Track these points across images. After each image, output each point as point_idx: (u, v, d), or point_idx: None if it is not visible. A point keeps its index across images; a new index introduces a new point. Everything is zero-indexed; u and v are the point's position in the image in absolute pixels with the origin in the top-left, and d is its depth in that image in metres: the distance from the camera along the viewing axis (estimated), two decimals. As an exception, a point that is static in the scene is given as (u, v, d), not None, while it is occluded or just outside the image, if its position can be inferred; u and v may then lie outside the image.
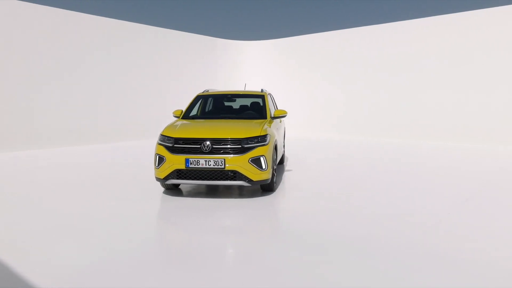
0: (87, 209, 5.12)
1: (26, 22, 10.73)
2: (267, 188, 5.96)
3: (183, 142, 5.51)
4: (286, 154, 10.00)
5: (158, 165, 5.60)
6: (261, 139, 5.63)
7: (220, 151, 5.41)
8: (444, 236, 4.14)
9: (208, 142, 5.42)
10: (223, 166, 5.34)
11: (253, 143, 5.52)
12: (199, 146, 5.43)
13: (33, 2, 10.95)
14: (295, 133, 15.75)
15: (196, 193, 6.04)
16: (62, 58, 11.58)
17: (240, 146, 5.44)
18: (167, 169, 5.48)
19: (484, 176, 7.47)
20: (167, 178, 5.52)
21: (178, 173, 5.46)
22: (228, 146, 5.43)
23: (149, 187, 6.27)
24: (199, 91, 10.21)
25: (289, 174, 7.58)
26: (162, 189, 6.16)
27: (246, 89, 7.87)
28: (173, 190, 6.14)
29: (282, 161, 8.51)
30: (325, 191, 6.37)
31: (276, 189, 6.22)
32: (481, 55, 11.97)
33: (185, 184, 5.92)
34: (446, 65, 12.62)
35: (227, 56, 17.15)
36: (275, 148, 6.23)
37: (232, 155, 5.37)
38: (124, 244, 3.86)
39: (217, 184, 5.66)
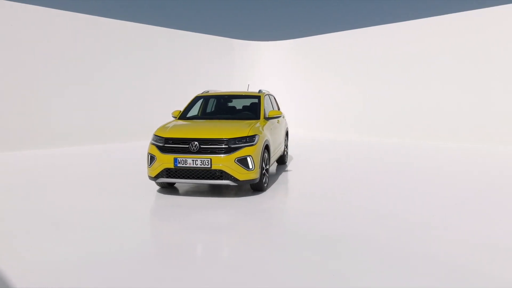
0: (77, 204, 5.41)
1: (25, 24, 11.03)
2: (256, 187, 6.06)
3: (172, 142, 5.71)
4: (291, 154, 10.04)
5: (150, 164, 5.82)
6: (249, 140, 5.74)
7: (207, 151, 5.57)
8: (444, 237, 4.11)
9: (196, 142, 5.59)
10: (209, 166, 5.49)
11: (241, 143, 5.64)
12: (187, 146, 5.61)
13: (27, 3, 11.50)
14: (309, 133, 15.72)
15: (193, 192, 6.22)
16: (88, 62, 12.09)
17: (227, 146, 5.57)
18: (157, 168, 5.70)
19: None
20: (157, 176, 5.74)
21: (168, 172, 5.66)
22: (215, 146, 5.58)
23: (147, 185, 6.50)
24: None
25: (287, 174, 7.64)
26: (157, 187, 6.38)
27: (249, 90, 7.96)
28: (168, 188, 6.34)
29: (284, 161, 8.57)
30: (318, 192, 6.39)
31: (267, 189, 6.30)
32: (508, 53, 11.55)
33: (174, 182, 6.04)
34: (466, 64, 12.23)
35: (244, 56, 17.30)
36: (267, 148, 6.32)
37: (218, 155, 5.52)
38: (108, 240, 4.08)
39: (205, 183, 5.80)
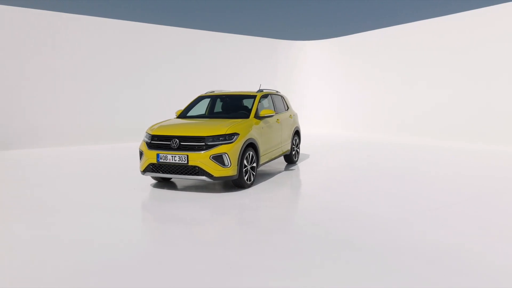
0: (71, 196, 6.07)
1: (27, 26, 11.88)
2: (237, 184, 6.24)
3: (157, 139, 6.14)
4: (309, 153, 9.97)
5: (140, 159, 6.31)
6: (228, 138, 5.94)
7: (186, 148, 5.89)
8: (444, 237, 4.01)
9: (176, 140, 5.95)
10: (186, 162, 5.81)
11: (218, 141, 5.87)
12: (169, 142, 5.99)
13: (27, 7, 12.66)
14: (346, 132, 15.26)
15: (185, 186, 6.60)
16: (133, 64, 13.17)
17: (203, 144, 5.84)
18: (144, 163, 6.16)
19: None
20: (145, 171, 6.20)
21: (153, 167, 6.09)
22: (194, 143, 5.88)
23: (143, 179, 7.01)
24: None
25: (284, 174, 7.67)
26: (152, 182, 6.85)
27: (262, 89, 8.08)
28: (164, 183, 6.76)
29: (292, 160, 8.59)
30: (298, 196, 6.38)
31: (252, 186, 6.44)
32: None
33: (158, 176, 6.37)
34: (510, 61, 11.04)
35: (288, 56, 17.36)
36: (253, 147, 6.46)
37: (195, 152, 5.81)
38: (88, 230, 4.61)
39: (183, 178, 6.08)
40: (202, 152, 5.80)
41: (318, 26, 28.11)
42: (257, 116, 6.92)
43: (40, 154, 10.13)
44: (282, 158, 9.01)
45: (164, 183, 6.76)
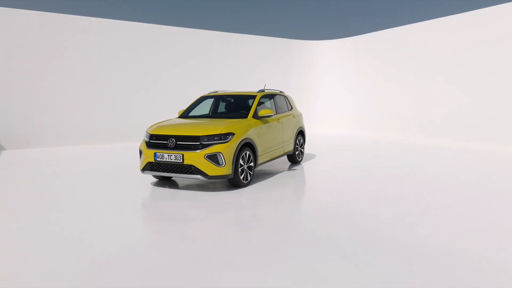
0: (71, 192, 6.30)
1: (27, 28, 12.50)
2: (233, 183, 6.32)
3: (155, 138, 6.29)
4: (315, 153, 9.94)
5: (140, 158, 6.48)
6: (223, 137, 6.03)
7: (182, 147, 6.01)
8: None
9: (173, 139, 6.09)
10: (181, 161, 5.93)
11: (212, 141, 5.96)
12: (166, 142, 6.13)
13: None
14: (361, 133, 15.08)
15: (183, 186, 6.74)
16: (143, 66, 13.49)
17: (199, 143, 5.95)
18: (143, 161, 6.32)
19: None
20: (144, 169, 6.36)
21: (150, 166, 6.25)
22: (189, 143, 5.99)
23: (145, 179, 7.19)
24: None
25: (285, 174, 7.68)
26: (153, 180, 7.01)
27: (266, 89, 8.14)
28: (165, 181, 6.91)
29: (295, 160, 8.59)
30: (292, 196, 6.38)
31: (249, 185, 6.50)
32: None
33: (156, 175, 6.60)
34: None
35: (301, 56, 17.31)
36: (251, 146, 6.52)
37: (190, 151, 5.92)
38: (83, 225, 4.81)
39: (179, 177, 6.22)
40: (197, 151, 5.90)
41: (332, 26, 27.91)
42: (255, 116, 6.97)
43: (58, 152, 10.55)
44: (286, 158, 9.02)
45: (165, 182, 6.91)
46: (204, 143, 5.94)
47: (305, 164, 8.67)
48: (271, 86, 15.00)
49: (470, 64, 12.11)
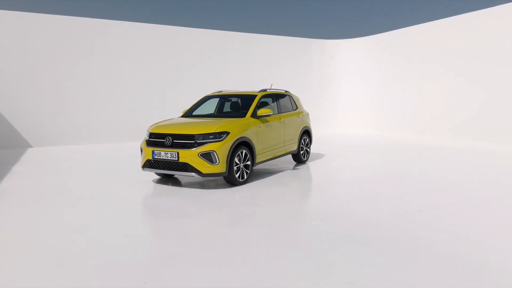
0: (78, 188, 6.64)
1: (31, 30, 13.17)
2: (228, 181, 6.44)
3: (154, 137, 6.52)
4: (325, 154, 9.89)
5: (141, 155, 6.74)
6: (218, 136, 6.17)
7: (178, 145, 6.21)
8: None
9: (170, 137, 6.29)
10: (177, 159, 6.12)
11: (207, 139, 6.11)
12: (164, 140, 6.35)
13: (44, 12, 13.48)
14: (381, 134, 14.77)
15: (189, 182, 6.94)
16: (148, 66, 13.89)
17: (193, 142, 6.12)
18: (143, 159, 6.57)
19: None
20: (144, 166, 6.61)
21: (149, 163, 6.48)
22: (185, 141, 6.18)
23: (147, 176, 7.45)
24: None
25: (286, 173, 7.71)
26: (155, 177, 7.26)
27: (273, 88, 8.22)
28: (168, 179, 7.13)
29: (300, 159, 8.60)
30: (288, 194, 6.41)
31: (241, 184, 6.56)
32: None
33: (155, 172, 6.80)
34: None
35: (321, 55, 17.17)
36: (247, 145, 6.62)
37: (185, 149, 6.10)
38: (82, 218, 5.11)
39: (175, 174, 6.42)
40: (192, 149, 6.07)
41: (353, 24, 27.44)
42: (254, 115, 7.06)
43: (78, 150, 11.10)
44: (290, 157, 9.03)
45: (168, 179, 7.13)
46: (198, 141, 6.10)
47: (310, 164, 8.66)
48: (289, 86, 15.00)
49: (501, 61, 11.60)
